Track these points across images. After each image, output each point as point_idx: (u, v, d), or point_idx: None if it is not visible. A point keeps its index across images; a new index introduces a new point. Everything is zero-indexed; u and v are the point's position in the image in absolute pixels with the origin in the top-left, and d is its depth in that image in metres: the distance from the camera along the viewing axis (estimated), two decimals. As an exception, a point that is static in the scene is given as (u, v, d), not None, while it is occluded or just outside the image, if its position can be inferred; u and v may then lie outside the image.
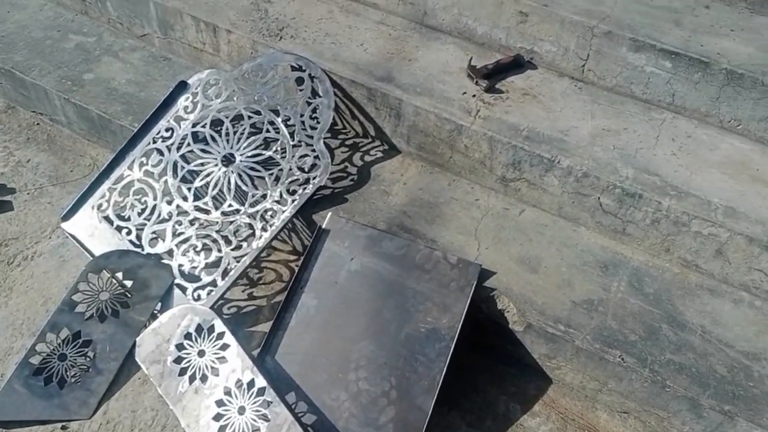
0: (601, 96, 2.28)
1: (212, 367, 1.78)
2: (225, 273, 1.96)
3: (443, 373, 1.74)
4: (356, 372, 1.78)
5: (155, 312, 1.94)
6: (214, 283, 1.95)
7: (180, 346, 1.83)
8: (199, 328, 1.84)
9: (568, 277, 1.92)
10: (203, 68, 2.62)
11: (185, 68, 2.64)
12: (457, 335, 1.79)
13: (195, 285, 1.97)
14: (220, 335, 1.81)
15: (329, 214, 2.03)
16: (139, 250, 2.04)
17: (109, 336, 1.90)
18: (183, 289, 1.97)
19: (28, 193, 2.38)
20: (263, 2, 2.61)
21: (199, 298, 1.94)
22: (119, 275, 1.97)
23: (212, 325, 1.83)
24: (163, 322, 1.86)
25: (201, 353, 1.81)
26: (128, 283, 1.97)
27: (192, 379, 1.78)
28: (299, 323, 1.87)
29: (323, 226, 2.01)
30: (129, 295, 1.95)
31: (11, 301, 2.03)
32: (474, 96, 2.22)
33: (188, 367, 1.79)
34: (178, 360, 1.81)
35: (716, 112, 2.18)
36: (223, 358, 1.78)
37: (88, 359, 1.86)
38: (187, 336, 1.83)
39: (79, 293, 1.92)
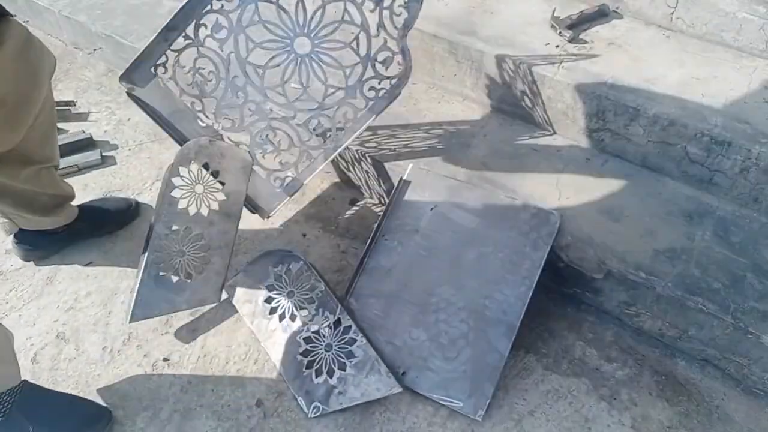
0: (690, 44, 2.21)
1: (301, 307, 1.88)
2: (301, 167, 2.02)
3: (521, 318, 1.78)
4: (436, 314, 1.84)
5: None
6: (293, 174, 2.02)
7: (270, 287, 1.95)
8: (288, 270, 1.95)
9: (651, 226, 1.90)
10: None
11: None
12: (535, 282, 1.82)
13: (274, 173, 2.03)
14: (308, 277, 1.92)
15: (410, 165, 2.08)
16: (209, 124, 2.02)
17: (216, 228, 1.95)
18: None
19: (129, 149, 2.57)
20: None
21: (278, 183, 2.03)
22: (206, 165, 1.94)
23: (301, 268, 1.94)
24: (255, 266, 1.99)
25: (290, 294, 1.92)
26: (216, 173, 1.95)
27: (282, 317, 1.89)
28: (382, 268, 1.94)
29: (404, 177, 2.07)
30: (222, 184, 1.96)
31: (116, 246, 2.20)
32: (557, 47, 2.20)
33: (278, 306, 1.91)
34: (268, 300, 1.93)
35: (816, 58, 2.08)
36: (311, 298, 1.89)
37: (203, 252, 1.94)
38: (277, 277, 1.95)
39: (176, 189, 1.91)
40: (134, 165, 2.48)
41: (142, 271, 1.88)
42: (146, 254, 1.88)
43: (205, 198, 1.95)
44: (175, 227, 1.91)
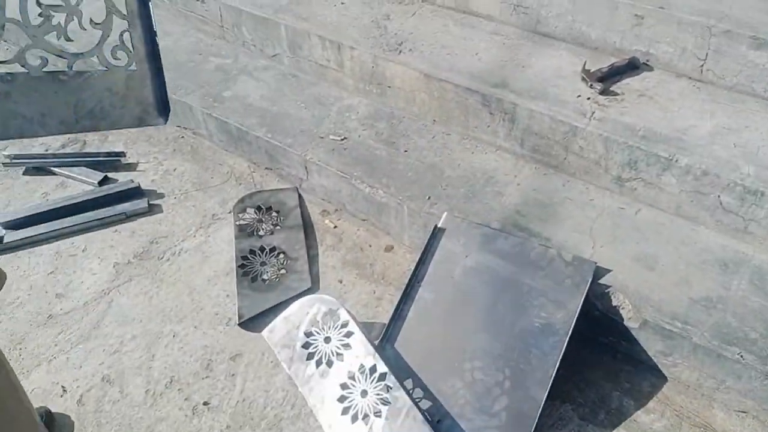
0: (721, 95, 2.24)
1: (337, 353, 1.92)
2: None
3: (556, 366, 1.78)
4: (471, 362, 1.86)
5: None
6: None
7: (308, 333, 1.99)
8: (325, 316, 2.00)
9: (686, 274, 1.90)
10: (327, 83, 2.84)
11: (311, 84, 2.86)
12: (571, 330, 1.82)
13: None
14: (345, 323, 1.96)
15: (445, 213, 2.13)
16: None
17: (284, 238, 2.43)
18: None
19: (175, 198, 2.67)
20: (383, 20, 2.78)
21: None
22: (259, 205, 2.55)
23: (338, 314, 1.98)
24: (293, 311, 2.04)
25: (327, 339, 1.96)
26: (269, 207, 2.55)
27: (318, 363, 1.93)
28: (417, 315, 1.98)
29: (439, 225, 2.11)
30: (277, 212, 2.53)
31: (161, 291, 2.28)
32: (589, 99, 2.26)
33: (315, 352, 1.95)
34: (306, 345, 1.97)
35: None
36: (348, 344, 1.92)
37: (281, 256, 2.36)
38: (315, 323, 2.00)
39: (246, 225, 2.48)
40: (179, 213, 2.58)
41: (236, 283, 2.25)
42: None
43: (270, 223, 2.50)
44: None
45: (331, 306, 2.01)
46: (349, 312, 1.98)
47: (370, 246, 2.41)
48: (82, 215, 2.51)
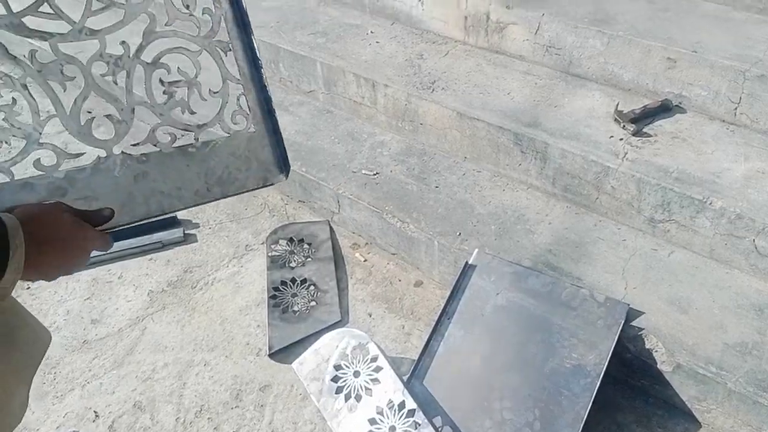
0: (755, 139, 2.24)
1: (366, 387, 1.93)
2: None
3: (588, 409, 1.76)
4: (500, 401, 1.85)
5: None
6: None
7: (337, 366, 2.00)
8: (355, 350, 2.01)
9: (721, 319, 1.88)
10: (361, 119, 2.89)
11: (345, 120, 2.92)
12: (603, 372, 1.81)
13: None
14: (374, 358, 1.97)
15: (475, 250, 2.15)
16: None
17: (315, 270, 2.46)
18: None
19: (210, 228, 2.73)
20: (416, 59, 2.84)
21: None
22: (291, 237, 2.60)
23: (367, 348, 2.00)
24: (323, 344, 2.05)
25: (356, 374, 1.97)
26: (301, 239, 2.60)
27: (347, 397, 1.94)
28: (446, 352, 1.98)
29: (470, 261, 2.13)
30: (309, 244, 2.57)
31: (193, 320, 2.32)
32: (621, 140, 2.27)
33: (344, 386, 1.96)
34: (335, 379, 1.98)
35: None
36: (377, 379, 1.93)
37: (312, 288, 2.39)
38: (344, 357, 2.01)
39: (278, 256, 2.52)
40: (213, 243, 2.63)
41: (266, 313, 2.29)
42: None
43: (301, 255, 2.53)
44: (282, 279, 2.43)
45: (360, 340, 2.02)
46: (378, 346, 1.99)
47: (400, 280, 2.42)
48: (119, 243, 2.57)
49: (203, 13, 1.08)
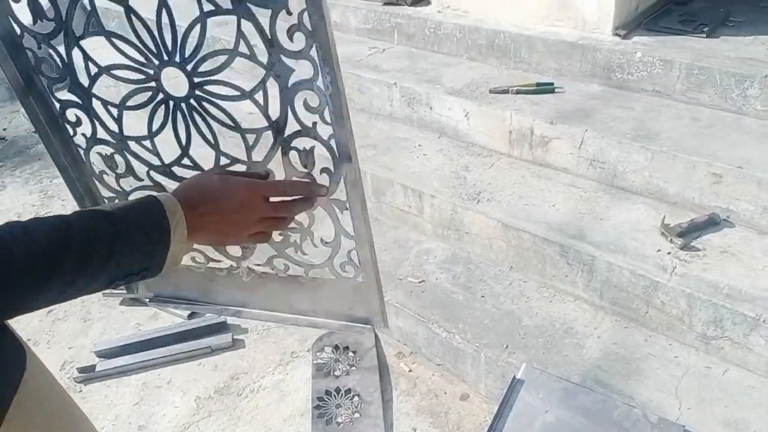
0: (809, 254, 2.21)
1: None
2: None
3: None
4: None
5: None
6: None
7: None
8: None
9: (785, 445, 1.80)
10: (407, 227, 2.96)
11: (392, 228, 3.00)
12: (659, 499, 1.73)
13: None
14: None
15: (523, 364, 2.12)
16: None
17: (360, 380, 2.47)
18: None
19: (258, 333, 2.77)
20: (462, 171, 2.93)
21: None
22: (337, 345, 2.62)
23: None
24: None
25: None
26: (346, 346, 2.61)
27: None
28: (494, 471, 1.92)
29: (518, 376, 2.10)
30: (354, 352, 2.58)
31: (238, 429, 2.32)
32: (669, 254, 2.26)
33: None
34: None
35: None
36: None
37: (356, 399, 2.39)
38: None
39: (323, 364, 2.54)
40: (261, 349, 2.67)
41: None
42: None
43: (346, 364, 2.55)
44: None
45: (406, 455, 1.98)
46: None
47: (445, 393, 2.39)
48: (170, 347, 2.64)
49: (321, 172, 1.17)
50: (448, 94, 3.11)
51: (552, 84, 3.02)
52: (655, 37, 2.99)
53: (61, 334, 2.86)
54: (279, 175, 1.15)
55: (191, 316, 2.82)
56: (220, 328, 2.74)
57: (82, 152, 1.35)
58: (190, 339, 2.69)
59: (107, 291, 2.60)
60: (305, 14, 0.94)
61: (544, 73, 3.16)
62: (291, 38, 1.01)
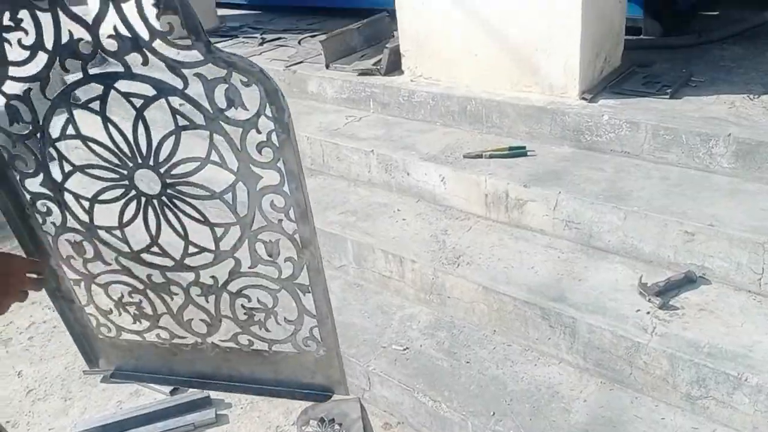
0: (784, 309, 2.25)
1: None
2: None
3: None
4: None
5: None
6: None
7: None
8: None
9: (775, 507, 1.79)
10: (390, 292, 2.97)
11: (375, 293, 3.01)
12: None
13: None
14: None
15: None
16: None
17: None
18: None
19: (242, 408, 2.72)
20: (441, 234, 2.97)
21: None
22: (322, 417, 2.36)
23: None
24: None
25: None
26: (332, 419, 2.37)
27: None
28: None
29: (506, 444, 2.08)
30: (339, 425, 2.36)
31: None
32: (648, 313, 2.29)
33: None
34: None
35: None
36: None
37: None
38: None
39: None
40: (245, 424, 2.62)
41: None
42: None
43: None
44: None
45: None
46: None
47: (435, 462, 2.36)
48: (153, 425, 2.58)
49: (285, 260, 1.29)
50: (424, 160, 3.18)
51: (524, 147, 3.09)
52: (620, 99, 3.09)
53: (41, 414, 2.79)
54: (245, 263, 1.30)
55: (173, 392, 2.77)
56: (204, 403, 2.69)
57: (50, 239, 1.41)
58: (173, 416, 2.64)
59: (87, 369, 2.58)
60: (273, 134, 1.04)
61: (516, 137, 3.24)
62: (260, 152, 1.11)
